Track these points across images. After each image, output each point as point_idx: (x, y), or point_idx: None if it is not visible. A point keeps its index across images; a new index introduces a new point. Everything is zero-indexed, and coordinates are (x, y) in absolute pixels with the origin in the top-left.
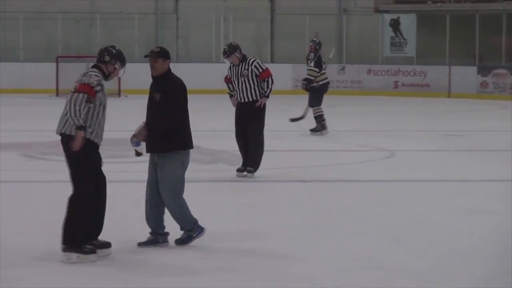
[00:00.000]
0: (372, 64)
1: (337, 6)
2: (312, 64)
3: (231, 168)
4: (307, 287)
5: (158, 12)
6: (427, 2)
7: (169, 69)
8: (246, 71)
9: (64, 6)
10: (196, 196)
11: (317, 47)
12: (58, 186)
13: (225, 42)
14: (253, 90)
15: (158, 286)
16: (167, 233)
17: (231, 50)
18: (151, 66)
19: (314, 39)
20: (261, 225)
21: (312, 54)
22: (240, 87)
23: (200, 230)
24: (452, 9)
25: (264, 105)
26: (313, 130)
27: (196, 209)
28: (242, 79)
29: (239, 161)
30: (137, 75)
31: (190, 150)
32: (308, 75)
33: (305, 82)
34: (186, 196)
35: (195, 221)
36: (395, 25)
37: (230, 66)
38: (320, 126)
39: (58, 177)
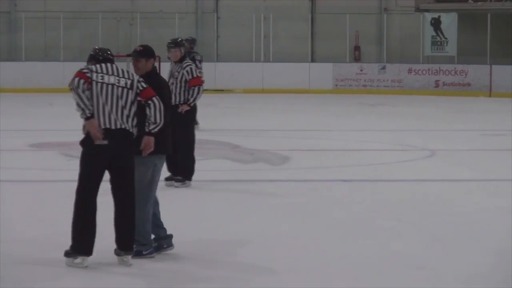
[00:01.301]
0: (413, 64)
1: (377, 5)
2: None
3: (271, 167)
4: (351, 287)
5: (199, 11)
6: (468, 1)
7: (153, 69)
8: (177, 73)
9: (104, 5)
10: (237, 196)
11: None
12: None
13: (265, 41)
14: (178, 94)
15: None
16: (170, 236)
17: (174, 44)
18: (134, 66)
19: (189, 38)
20: (301, 225)
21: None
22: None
23: (152, 251)
24: (493, 8)
25: (190, 112)
26: None
27: (237, 209)
28: (172, 79)
29: (280, 161)
30: None
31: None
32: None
33: None
34: (228, 196)
35: (150, 240)
36: (436, 24)
37: (171, 63)
38: None
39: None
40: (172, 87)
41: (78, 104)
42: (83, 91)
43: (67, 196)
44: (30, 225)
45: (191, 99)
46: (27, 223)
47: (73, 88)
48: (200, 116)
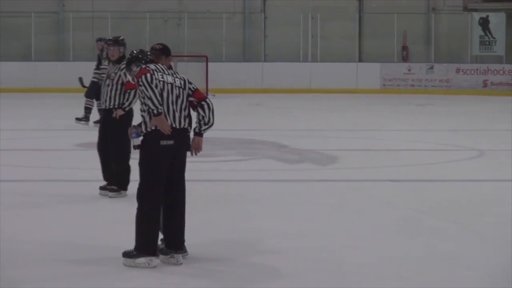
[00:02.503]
0: (461, 63)
1: (425, 5)
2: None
3: (319, 167)
4: (397, 287)
5: (246, 11)
6: None
7: (170, 67)
8: (114, 74)
9: (152, 5)
10: (283, 196)
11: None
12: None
13: (313, 41)
14: (113, 98)
15: None
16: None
17: (114, 41)
18: None
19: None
20: (348, 225)
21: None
22: (103, 89)
23: None
24: None
25: (125, 118)
26: (78, 119)
27: (283, 209)
28: (108, 81)
29: (327, 161)
30: (226, 74)
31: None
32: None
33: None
34: (274, 196)
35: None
36: (484, 23)
37: (108, 63)
38: (85, 117)
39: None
40: (108, 89)
41: (150, 99)
42: (156, 86)
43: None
44: (79, 224)
45: (126, 103)
46: (76, 222)
47: (145, 83)
48: (247, 115)
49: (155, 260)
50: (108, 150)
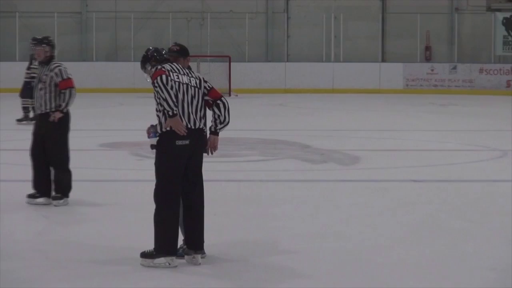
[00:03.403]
0: (484, 63)
1: (449, 5)
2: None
3: (342, 167)
4: (420, 287)
5: (269, 11)
6: None
7: (188, 67)
8: (45, 77)
9: (175, 5)
10: (306, 196)
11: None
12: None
13: (336, 41)
14: (48, 101)
15: None
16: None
17: (37, 41)
18: None
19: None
20: (370, 225)
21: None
22: (37, 94)
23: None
24: None
25: (63, 120)
26: (18, 120)
27: (306, 209)
28: (41, 85)
29: (350, 161)
30: (249, 74)
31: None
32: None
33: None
34: (297, 196)
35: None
36: (507, 23)
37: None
38: (25, 117)
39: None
40: (41, 93)
41: (166, 100)
42: (171, 88)
43: (138, 195)
44: (104, 224)
45: (63, 105)
46: (100, 221)
47: (160, 85)
48: (270, 115)
49: (175, 260)
50: (44, 156)
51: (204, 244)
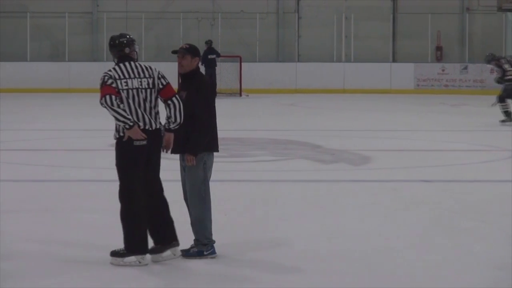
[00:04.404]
0: None
1: (460, 5)
2: None
3: (353, 168)
4: (431, 287)
5: (280, 11)
6: None
7: (197, 67)
8: None
9: (185, 5)
10: (317, 196)
11: None
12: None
13: (347, 41)
14: None
15: None
16: (213, 242)
17: None
18: (179, 63)
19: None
20: (381, 225)
21: None
22: None
23: (213, 250)
24: None
25: None
26: None
27: (316, 209)
28: None
29: (361, 161)
30: (259, 74)
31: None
32: None
33: None
34: (308, 196)
35: (211, 237)
36: None
37: None
38: None
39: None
40: None
41: (118, 119)
42: (118, 106)
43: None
44: (112, 225)
45: None
46: (109, 222)
47: (107, 107)
48: (280, 115)
49: (146, 258)
50: None
51: (215, 244)
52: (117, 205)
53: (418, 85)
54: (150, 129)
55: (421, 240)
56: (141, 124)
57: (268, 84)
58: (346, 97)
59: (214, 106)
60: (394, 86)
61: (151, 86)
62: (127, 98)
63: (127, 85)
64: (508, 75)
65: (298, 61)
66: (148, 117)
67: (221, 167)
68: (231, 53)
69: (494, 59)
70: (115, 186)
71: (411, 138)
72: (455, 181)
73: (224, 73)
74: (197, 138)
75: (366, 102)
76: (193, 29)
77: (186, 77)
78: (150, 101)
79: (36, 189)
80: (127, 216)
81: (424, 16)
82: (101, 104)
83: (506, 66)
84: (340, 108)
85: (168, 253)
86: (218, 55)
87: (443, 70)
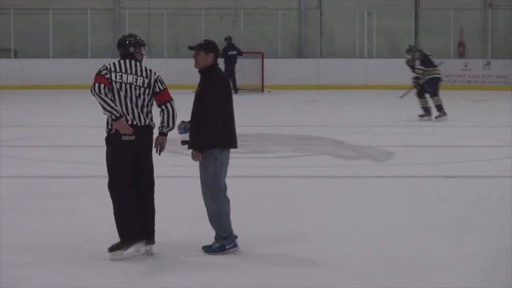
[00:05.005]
0: None
1: (482, 0)
2: None
3: (375, 164)
4: (454, 283)
5: (302, 7)
6: None
7: (213, 64)
8: None
9: (207, 2)
10: (339, 192)
11: None
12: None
13: (369, 37)
14: None
15: None
16: (234, 236)
17: None
18: (194, 59)
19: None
20: (404, 221)
21: None
22: None
23: (235, 244)
24: None
25: None
26: None
27: (339, 205)
28: None
29: (384, 157)
30: (281, 70)
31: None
32: None
33: None
34: (330, 192)
35: (230, 231)
36: None
37: None
38: None
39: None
40: None
41: (104, 108)
42: (106, 95)
43: (174, 191)
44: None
45: None
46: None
47: (95, 94)
48: (303, 111)
49: (143, 246)
50: None
51: (237, 240)
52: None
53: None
54: (139, 124)
55: (445, 237)
56: (129, 117)
57: (290, 80)
58: (368, 93)
59: (230, 104)
60: None
61: (146, 85)
62: (119, 90)
63: (121, 78)
64: (417, 73)
65: (321, 57)
66: (138, 112)
67: (242, 163)
68: (253, 50)
69: (412, 52)
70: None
71: (434, 134)
72: (480, 177)
73: (246, 69)
74: (204, 135)
75: (388, 98)
76: (215, 26)
77: (202, 73)
78: (143, 100)
79: (58, 184)
80: (117, 210)
81: (447, 12)
82: (91, 91)
83: (417, 63)
84: (362, 104)
85: (131, 249)
86: (240, 52)
87: (465, 66)
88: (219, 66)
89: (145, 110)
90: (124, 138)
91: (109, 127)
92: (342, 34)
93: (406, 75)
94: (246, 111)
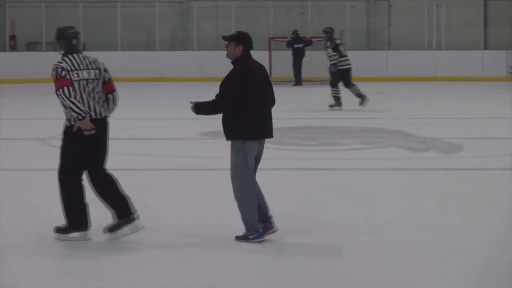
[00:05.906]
0: None
1: None
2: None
3: (444, 156)
4: None
5: None
6: None
7: (242, 56)
8: None
9: None
10: (407, 184)
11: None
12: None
13: (438, 29)
14: None
15: None
16: (257, 228)
17: None
18: (226, 49)
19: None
20: (472, 213)
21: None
22: None
23: (258, 235)
24: None
25: None
26: None
27: (406, 196)
28: None
29: (453, 149)
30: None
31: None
32: None
33: None
34: (398, 183)
35: (254, 222)
36: None
37: None
38: None
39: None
40: None
41: (73, 110)
42: (75, 97)
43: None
44: (197, 212)
45: None
46: (195, 210)
47: (65, 98)
48: (371, 103)
49: (88, 234)
50: None
51: (299, 230)
52: (192, 193)
53: (510, 72)
54: (99, 117)
55: (507, 228)
56: (92, 114)
57: (358, 72)
58: (437, 85)
59: (256, 95)
60: (485, 74)
61: (98, 77)
62: (79, 88)
63: (78, 76)
64: (332, 60)
65: (389, 49)
66: (98, 107)
67: (312, 155)
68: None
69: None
70: (198, 174)
71: (504, 126)
72: None
73: (315, 61)
74: (208, 105)
75: (457, 90)
76: (283, 18)
77: (233, 64)
78: (98, 92)
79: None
80: (66, 196)
81: None
82: (58, 95)
83: (330, 51)
84: (431, 96)
85: (126, 229)
86: (308, 43)
87: None
88: (289, 58)
89: (101, 101)
90: (86, 133)
91: (72, 123)
92: (411, 26)
93: (476, 67)
94: (314, 103)
